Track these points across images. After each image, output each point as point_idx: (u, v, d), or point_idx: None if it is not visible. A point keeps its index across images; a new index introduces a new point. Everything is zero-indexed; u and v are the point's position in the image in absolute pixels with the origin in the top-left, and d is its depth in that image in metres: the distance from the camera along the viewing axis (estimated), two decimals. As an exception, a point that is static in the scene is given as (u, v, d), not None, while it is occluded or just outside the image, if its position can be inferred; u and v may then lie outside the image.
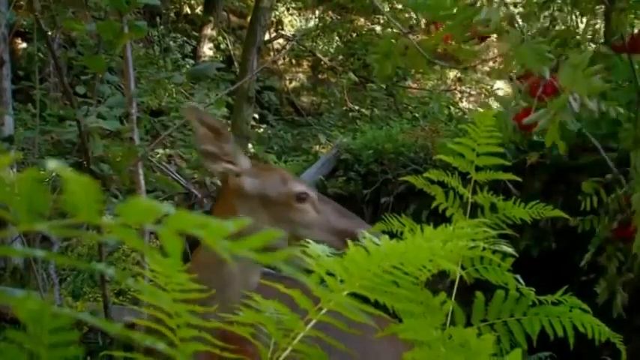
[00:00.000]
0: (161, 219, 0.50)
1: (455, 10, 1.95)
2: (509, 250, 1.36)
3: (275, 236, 0.51)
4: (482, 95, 11.18)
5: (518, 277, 1.39)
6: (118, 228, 0.51)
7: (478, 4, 1.91)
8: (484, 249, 1.26)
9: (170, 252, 0.49)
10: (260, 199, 1.99)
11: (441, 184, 1.60)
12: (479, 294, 1.36)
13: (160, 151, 8.77)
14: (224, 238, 0.47)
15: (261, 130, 11.23)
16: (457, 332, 1.13)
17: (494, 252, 1.33)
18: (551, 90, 1.78)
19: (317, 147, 9.63)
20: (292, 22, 13.29)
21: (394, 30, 2.21)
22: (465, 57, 2.20)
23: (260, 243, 0.47)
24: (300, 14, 13.20)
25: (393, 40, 2.19)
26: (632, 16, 2.08)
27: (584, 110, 1.78)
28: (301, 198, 2.00)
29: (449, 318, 1.28)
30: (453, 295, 1.34)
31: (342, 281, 1.16)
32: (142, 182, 2.94)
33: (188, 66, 10.05)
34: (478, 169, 1.51)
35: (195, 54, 11.95)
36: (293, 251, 0.56)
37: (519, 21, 1.91)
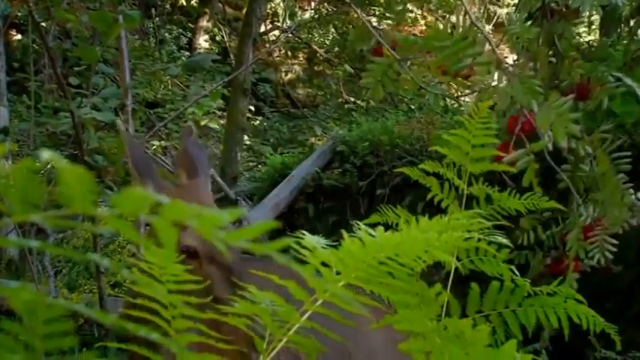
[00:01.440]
0: (156, 209, 0.50)
1: (449, 43, 1.98)
2: (505, 241, 1.37)
3: (271, 226, 0.51)
4: (469, 90, 11.16)
5: (514, 268, 1.40)
6: (113, 219, 0.50)
7: (470, 38, 1.95)
8: (479, 240, 1.26)
9: (165, 242, 0.49)
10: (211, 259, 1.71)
11: (437, 175, 1.60)
12: (474, 285, 1.37)
13: (156, 142, 8.76)
14: (219, 228, 0.47)
15: (257, 122, 11.22)
16: (452, 323, 1.14)
17: (489, 243, 1.33)
18: (529, 127, 1.83)
19: (313, 139, 9.63)
20: (288, 13, 13.26)
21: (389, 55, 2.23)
22: (458, 87, 2.25)
23: (256, 233, 0.47)
24: (295, 6, 13.18)
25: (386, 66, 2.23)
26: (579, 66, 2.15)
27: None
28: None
29: (444, 309, 1.28)
30: (449, 286, 1.34)
31: (337, 272, 1.16)
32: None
33: (184, 58, 10.05)
34: (473, 160, 1.51)
35: (190, 46, 11.94)
36: (287, 242, 0.56)
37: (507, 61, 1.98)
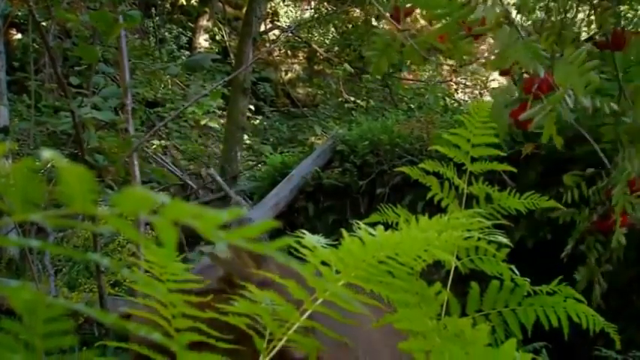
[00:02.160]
0: (156, 209, 0.50)
1: (450, 9, 1.95)
2: (505, 240, 1.37)
3: (271, 226, 0.51)
4: (478, 86, 11.18)
5: (513, 267, 1.40)
6: (113, 218, 0.51)
7: (472, 3, 1.92)
8: (479, 239, 1.26)
9: (165, 242, 0.49)
10: None
11: (437, 174, 1.60)
12: (474, 284, 1.37)
13: (156, 142, 8.77)
14: (219, 228, 0.47)
15: (257, 121, 11.23)
16: (452, 322, 1.14)
17: (489, 242, 1.33)
18: (547, 87, 1.79)
19: (312, 138, 9.63)
20: (288, 14, 13.27)
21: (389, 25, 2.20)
22: (461, 55, 2.20)
23: (255, 233, 0.47)
24: (295, 5, 13.18)
25: (389, 37, 2.20)
26: (622, 11, 2.09)
27: (578, 106, 1.79)
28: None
29: (444, 308, 1.28)
30: (448, 285, 1.34)
31: (337, 271, 1.16)
32: (137, 173, 2.94)
33: (183, 57, 10.05)
34: (473, 160, 1.51)
35: (190, 45, 11.95)
36: (288, 241, 0.56)
37: (514, 15, 1.91)
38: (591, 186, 2.54)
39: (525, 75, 1.86)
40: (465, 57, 2.20)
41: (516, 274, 1.38)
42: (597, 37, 2.09)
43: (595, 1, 2.08)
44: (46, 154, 0.48)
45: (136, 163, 3.00)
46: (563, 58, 1.79)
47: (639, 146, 1.96)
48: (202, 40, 12.27)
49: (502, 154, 1.54)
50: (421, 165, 1.58)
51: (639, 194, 1.99)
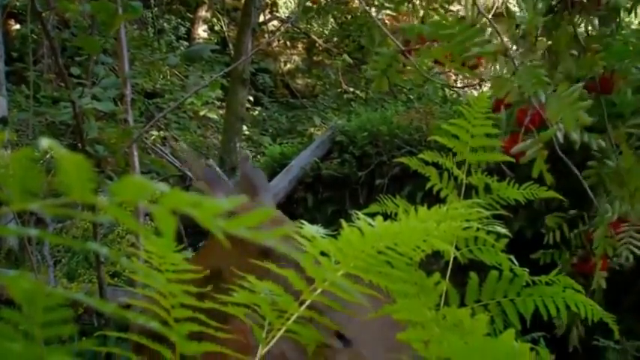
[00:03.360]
0: (155, 199, 0.50)
1: (456, 30, 1.96)
2: (503, 230, 1.37)
3: (270, 215, 0.51)
4: (477, 79, 11.16)
5: (512, 257, 1.40)
6: (112, 208, 0.51)
7: (478, 26, 1.93)
8: (478, 229, 1.26)
9: (164, 231, 0.49)
10: None
11: (436, 165, 1.60)
12: (473, 275, 1.37)
13: (155, 133, 8.76)
14: (217, 216, 0.47)
15: (256, 112, 11.22)
16: (451, 312, 1.14)
17: (488, 233, 1.33)
18: (538, 120, 1.81)
19: (312, 129, 9.63)
20: (287, 4, 13.23)
21: (392, 47, 2.21)
22: (465, 75, 2.22)
23: (255, 221, 0.47)
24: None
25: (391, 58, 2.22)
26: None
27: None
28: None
29: (442, 298, 1.28)
30: (447, 275, 1.34)
31: (336, 262, 1.16)
32: (137, 164, 2.94)
33: (182, 48, 10.03)
34: (473, 150, 1.51)
35: (189, 36, 11.91)
36: (287, 230, 0.56)
37: (513, 48, 1.94)
38: (573, 228, 2.58)
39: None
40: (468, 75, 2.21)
41: (515, 265, 1.38)
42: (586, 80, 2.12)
43: (585, 44, 2.11)
44: (45, 142, 0.48)
45: (135, 153, 3.00)
46: (557, 94, 1.81)
47: (624, 190, 1.99)
48: (201, 31, 12.23)
49: (501, 144, 1.54)
50: (420, 155, 1.58)
51: (620, 237, 2.01)
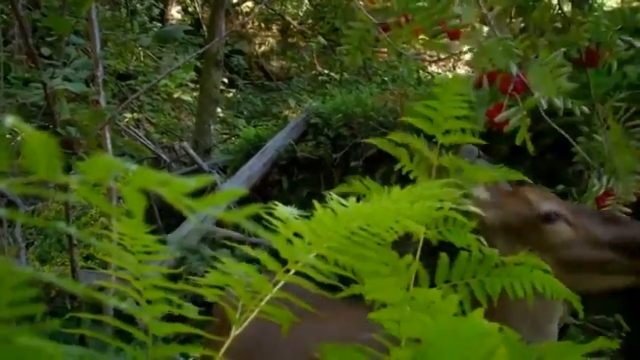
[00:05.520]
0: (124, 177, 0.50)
1: (426, 3, 1.95)
2: (476, 209, 1.38)
3: (239, 194, 0.51)
4: (452, 59, 11.19)
5: (482, 238, 1.41)
6: (81, 187, 0.50)
7: None
8: (451, 209, 1.27)
9: (133, 210, 0.49)
10: (504, 230, 1.77)
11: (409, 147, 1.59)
12: (443, 255, 1.38)
13: (128, 115, 8.69)
14: (186, 195, 0.46)
15: (231, 94, 11.17)
16: (421, 293, 1.15)
17: (463, 213, 1.34)
18: (522, 87, 1.81)
19: (286, 111, 9.62)
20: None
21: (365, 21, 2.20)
22: (436, 51, 2.21)
23: (223, 200, 0.47)
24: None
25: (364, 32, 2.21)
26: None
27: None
28: (549, 218, 1.74)
29: (412, 279, 1.29)
30: (417, 256, 1.35)
31: (309, 243, 1.16)
32: (109, 146, 2.92)
33: (155, 29, 9.93)
34: (446, 132, 1.51)
35: (162, 17, 11.81)
36: (256, 208, 0.56)
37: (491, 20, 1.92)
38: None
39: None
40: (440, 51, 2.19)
41: (484, 245, 1.39)
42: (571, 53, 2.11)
43: (570, 16, 2.10)
44: (9, 119, 0.48)
45: (108, 135, 2.98)
46: (538, 60, 1.81)
47: (609, 165, 2.00)
48: (175, 12, 12.15)
49: (476, 127, 1.54)
50: (390, 136, 1.57)
51: (608, 210, 2.01)
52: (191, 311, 1.13)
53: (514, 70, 1.79)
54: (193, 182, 0.46)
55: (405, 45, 2.36)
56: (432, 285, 1.36)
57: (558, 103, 1.79)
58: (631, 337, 3.69)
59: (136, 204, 0.48)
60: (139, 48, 9.60)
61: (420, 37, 2.12)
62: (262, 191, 5.67)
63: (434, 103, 1.51)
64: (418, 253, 1.35)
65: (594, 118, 1.95)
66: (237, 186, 5.45)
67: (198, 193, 0.53)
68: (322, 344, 1.22)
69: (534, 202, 1.76)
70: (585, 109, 1.93)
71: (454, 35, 2.00)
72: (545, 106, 1.79)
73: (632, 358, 3.53)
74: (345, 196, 1.20)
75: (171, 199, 0.47)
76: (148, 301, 1.12)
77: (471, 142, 1.62)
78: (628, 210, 2.02)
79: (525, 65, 1.84)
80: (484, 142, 1.64)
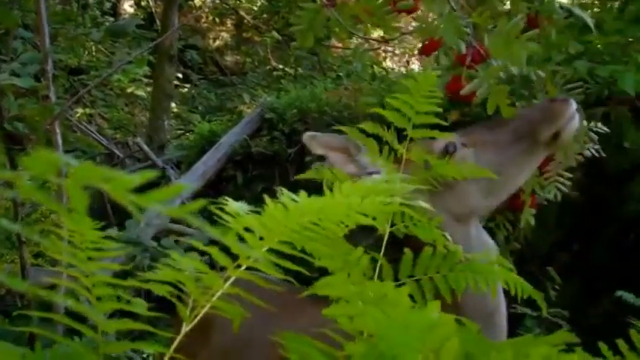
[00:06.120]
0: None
1: None
2: (426, 205, 1.38)
3: (185, 189, 0.50)
4: (406, 55, 11.24)
5: (447, 234, 1.42)
6: (25, 184, 0.49)
7: None
8: (402, 204, 1.27)
9: (76, 206, 0.48)
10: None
11: (376, 138, 1.58)
12: (407, 250, 1.39)
13: (80, 110, 8.57)
14: (129, 191, 0.46)
15: (185, 89, 11.08)
16: (374, 286, 1.15)
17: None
18: (479, 58, 1.82)
19: (241, 106, 9.58)
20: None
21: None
22: (386, 30, 2.21)
23: (167, 195, 0.46)
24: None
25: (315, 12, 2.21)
26: None
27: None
28: (448, 151, 1.77)
29: (376, 274, 1.30)
30: (382, 251, 1.35)
31: (260, 238, 1.16)
32: (60, 141, 2.88)
33: (107, 23, 9.80)
34: (415, 127, 1.52)
35: (115, 11, 11.66)
36: (202, 203, 0.55)
37: None
38: None
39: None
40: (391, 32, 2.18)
41: (449, 241, 1.40)
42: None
43: None
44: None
45: (58, 131, 2.94)
46: (498, 30, 1.82)
47: None
48: (127, 6, 12.00)
49: (444, 123, 1.54)
50: (361, 126, 1.57)
51: (547, 175, 2.04)
52: (140, 307, 1.12)
53: (462, 48, 1.80)
54: (138, 178, 0.45)
55: (357, 30, 2.36)
56: (397, 279, 1.38)
57: (515, 70, 1.81)
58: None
59: (79, 200, 0.47)
60: (91, 43, 9.46)
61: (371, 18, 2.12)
62: (217, 187, 5.64)
63: (406, 97, 1.51)
64: (383, 247, 1.36)
65: (531, 74, 1.96)
66: (191, 182, 5.42)
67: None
68: (283, 334, 1.21)
69: (428, 146, 1.76)
70: (541, 73, 1.95)
71: (411, 11, 2.01)
72: (502, 76, 1.80)
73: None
74: (295, 190, 1.20)
75: (115, 195, 0.46)
76: (98, 298, 1.10)
77: (441, 137, 1.62)
78: (569, 175, 2.06)
79: (481, 36, 1.85)
80: (450, 135, 1.65)
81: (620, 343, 1.21)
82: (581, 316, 3.84)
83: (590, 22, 2.10)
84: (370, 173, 1.68)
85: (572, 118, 1.80)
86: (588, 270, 4.02)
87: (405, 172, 1.54)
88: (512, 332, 1.78)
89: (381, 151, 1.58)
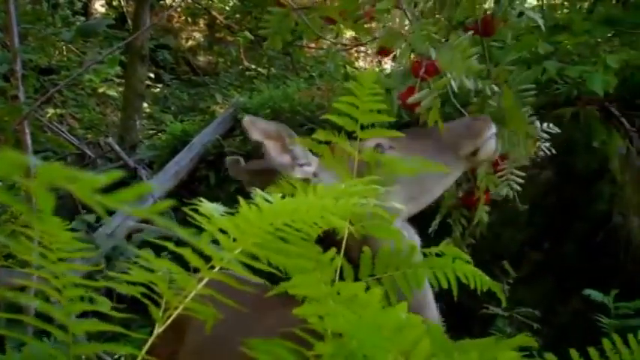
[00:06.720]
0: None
1: None
2: (398, 205, 1.39)
3: (147, 190, 0.50)
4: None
5: (404, 232, 1.42)
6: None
7: None
8: (374, 205, 1.28)
9: (43, 207, 0.47)
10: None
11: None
12: (366, 249, 1.39)
13: (51, 110, 8.49)
14: (96, 191, 0.45)
15: (157, 89, 11.02)
16: (346, 287, 1.15)
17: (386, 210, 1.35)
18: (433, 70, 1.85)
19: (214, 106, 9.54)
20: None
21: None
22: (359, 33, 2.23)
23: (132, 195, 0.46)
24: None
25: (283, 16, 2.23)
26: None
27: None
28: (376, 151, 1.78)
29: (337, 273, 1.30)
30: (342, 251, 1.36)
31: (234, 239, 1.16)
32: (29, 142, 2.85)
33: (79, 23, 9.71)
34: (363, 127, 1.53)
35: (86, 11, 11.56)
36: (169, 203, 0.55)
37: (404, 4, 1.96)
38: None
39: (413, 58, 1.91)
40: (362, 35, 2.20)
41: (406, 237, 1.41)
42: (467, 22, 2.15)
43: None
44: None
45: (27, 131, 2.90)
46: (448, 44, 1.86)
47: (503, 129, 2.05)
48: (98, 6, 11.90)
49: (391, 119, 1.55)
50: (314, 135, 1.58)
51: (500, 174, 2.08)
52: (105, 306, 1.11)
53: (433, 54, 1.82)
54: (104, 178, 0.45)
55: (326, 33, 2.38)
56: (357, 279, 1.38)
57: (469, 84, 1.84)
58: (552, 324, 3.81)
59: (45, 201, 0.47)
60: (62, 42, 9.38)
61: (345, 21, 2.15)
62: (190, 187, 5.62)
63: (351, 99, 1.52)
64: (342, 248, 1.36)
65: (486, 88, 2.00)
66: (164, 182, 5.38)
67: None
68: (248, 340, 1.21)
69: (361, 145, 1.72)
70: (495, 87, 1.99)
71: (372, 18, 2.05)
72: (456, 89, 1.84)
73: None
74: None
75: (81, 196, 0.46)
76: (70, 300, 1.09)
77: (388, 135, 1.64)
78: (521, 174, 2.10)
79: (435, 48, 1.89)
80: (401, 134, 1.66)
81: (592, 350, 1.23)
82: (551, 315, 3.88)
83: (542, 22, 2.13)
84: (302, 165, 1.71)
85: (491, 138, 1.86)
86: (559, 269, 4.06)
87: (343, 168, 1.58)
88: (483, 332, 1.80)
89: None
